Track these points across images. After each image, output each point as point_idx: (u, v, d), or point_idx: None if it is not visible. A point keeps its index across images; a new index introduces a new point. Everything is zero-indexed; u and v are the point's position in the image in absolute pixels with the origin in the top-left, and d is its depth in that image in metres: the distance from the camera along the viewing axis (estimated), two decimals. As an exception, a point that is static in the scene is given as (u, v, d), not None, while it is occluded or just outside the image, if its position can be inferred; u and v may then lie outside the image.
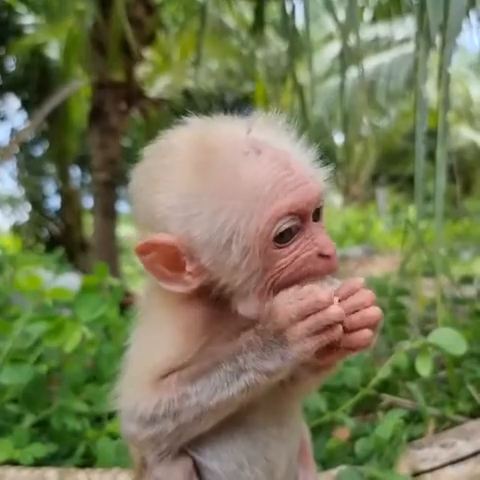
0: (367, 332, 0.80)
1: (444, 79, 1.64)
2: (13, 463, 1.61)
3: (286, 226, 0.79)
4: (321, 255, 0.82)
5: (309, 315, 0.76)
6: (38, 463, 1.63)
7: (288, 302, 0.78)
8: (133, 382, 0.90)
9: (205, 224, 0.78)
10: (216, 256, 0.79)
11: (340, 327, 0.78)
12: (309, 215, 0.81)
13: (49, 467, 1.60)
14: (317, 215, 0.84)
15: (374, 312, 0.80)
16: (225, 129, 0.83)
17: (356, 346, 0.80)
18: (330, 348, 0.81)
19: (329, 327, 0.77)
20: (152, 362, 0.88)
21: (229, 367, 0.81)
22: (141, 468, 0.95)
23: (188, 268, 0.81)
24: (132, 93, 6.01)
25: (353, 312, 0.80)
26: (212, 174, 0.77)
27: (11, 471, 1.57)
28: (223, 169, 0.77)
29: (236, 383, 0.81)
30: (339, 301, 0.80)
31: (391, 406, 1.83)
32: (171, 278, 0.83)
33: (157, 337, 0.89)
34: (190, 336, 0.87)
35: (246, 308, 0.83)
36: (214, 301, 0.85)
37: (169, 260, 0.81)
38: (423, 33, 1.70)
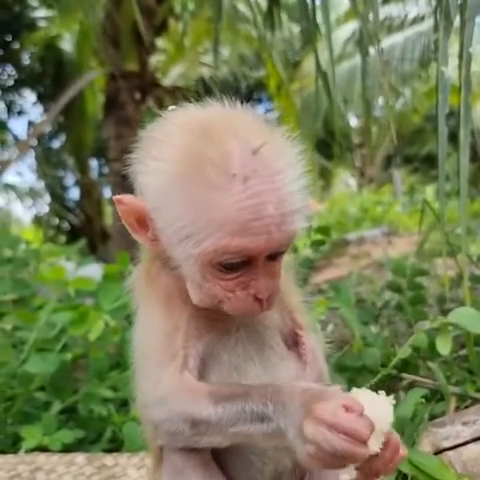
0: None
1: (465, 58, 1.61)
2: (42, 449, 1.66)
3: (231, 261, 0.81)
4: (255, 298, 0.85)
5: (340, 432, 0.72)
6: (66, 449, 1.67)
7: (342, 401, 0.74)
8: (155, 367, 0.90)
9: (167, 219, 0.82)
10: (169, 244, 0.85)
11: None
12: (259, 258, 0.83)
13: (78, 452, 1.65)
14: (276, 255, 0.85)
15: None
16: (230, 138, 0.80)
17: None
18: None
19: (343, 459, 0.72)
20: (158, 341, 0.90)
21: (256, 408, 0.81)
22: (159, 454, 0.96)
23: (149, 233, 0.88)
24: (146, 82, 6.03)
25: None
26: (194, 180, 0.79)
27: (41, 457, 1.61)
28: (205, 182, 0.78)
29: (259, 425, 0.80)
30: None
31: (412, 385, 1.84)
32: (138, 232, 0.89)
33: (148, 314, 0.94)
34: (172, 305, 0.91)
35: (193, 295, 0.88)
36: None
37: (138, 217, 0.88)
38: (442, 12, 1.67)
